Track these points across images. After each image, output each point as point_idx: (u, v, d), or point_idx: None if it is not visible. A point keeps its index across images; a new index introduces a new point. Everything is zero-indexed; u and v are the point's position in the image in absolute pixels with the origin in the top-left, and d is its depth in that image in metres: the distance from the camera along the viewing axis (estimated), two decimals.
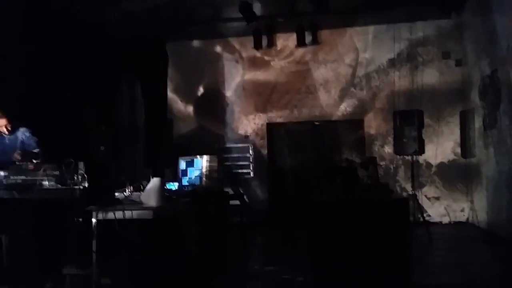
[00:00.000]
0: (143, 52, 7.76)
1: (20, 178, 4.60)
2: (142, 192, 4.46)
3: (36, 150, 5.32)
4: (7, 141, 5.53)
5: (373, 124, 9.35)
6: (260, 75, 9.83)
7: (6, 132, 5.51)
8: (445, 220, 8.91)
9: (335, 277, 3.95)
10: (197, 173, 5.81)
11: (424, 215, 7.91)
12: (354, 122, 9.47)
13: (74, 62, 6.91)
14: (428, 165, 8.98)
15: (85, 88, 7.16)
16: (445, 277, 5.07)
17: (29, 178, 4.57)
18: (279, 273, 5.07)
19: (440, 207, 8.95)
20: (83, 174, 4.49)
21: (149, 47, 7.79)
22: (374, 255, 3.92)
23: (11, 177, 4.60)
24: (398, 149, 7.88)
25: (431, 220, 8.64)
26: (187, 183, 5.84)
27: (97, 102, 7.60)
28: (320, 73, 9.61)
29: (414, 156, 7.90)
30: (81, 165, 4.58)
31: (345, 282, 3.91)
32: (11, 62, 6.09)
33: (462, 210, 8.86)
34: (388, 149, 9.07)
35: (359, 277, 3.89)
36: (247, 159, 9.73)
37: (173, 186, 5.79)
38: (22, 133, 5.56)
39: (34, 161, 4.85)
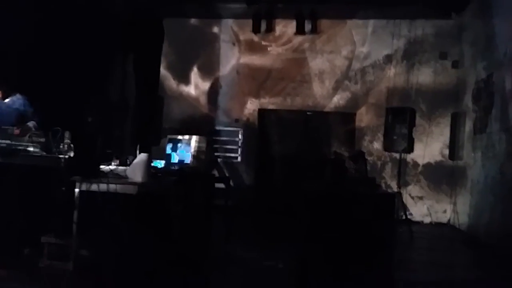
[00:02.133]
0: (139, 25, 7.62)
1: (5, 142, 4.52)
2: (128, 167, 4.41)
3: (31, 124, 5.18)
4: (2, 107, 5.38)
5: (364, 118, 9.34)
6: (255, 60, 9.75)
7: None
8: (427, 220, 8.98)
9: (317, 267, 3.95)
10: (185, 152, 5.76)
11: (407, 213, 7.96)
12: (346, 115, 9.45)
13: (67, 33, 6.79)
14: (415, 164, 9.01)
15: (77, 59, 7.04)
16: (424, 275, 5.11)
17: (13, 143, 4.49)
18: (261, 259, 5.06)
19: (422, 207, 9.01)
20: (69, 144, 4.42)
21: (145, 21, 7.64)
22: (357, 247, 3.92)
23: None
24: (388, 146, 7.90)
25: (413, 219, 8.70)
26: (174, 162, 5.79)
27: (88, 73, 7.48)
28: (316, 63, 9.56)
29: (403, 154, 7.92)
30: (67, 134, 4.50)
31: (327, 272, 3.91)
32: (4, 32, 5.97)
33: (444, 211, 8.92)
34: (377, 145, 9.10)
35: (340, 268, 3.89)
36: (236, 143, 9.70)
37: (160, 163, 5.74)
38: (18, 100, 5.42)
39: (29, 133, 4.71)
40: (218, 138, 9.77)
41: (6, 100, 5.44)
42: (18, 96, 5.47)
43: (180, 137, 6.12)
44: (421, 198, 9.03)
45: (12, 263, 4.20)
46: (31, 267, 4.22)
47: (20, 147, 4.46)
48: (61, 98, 6.40)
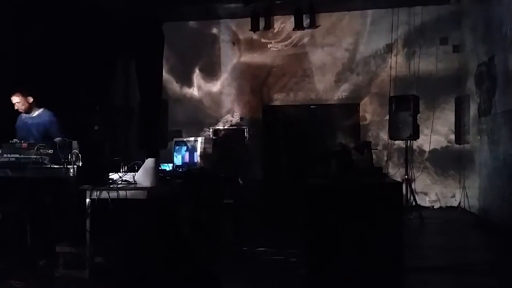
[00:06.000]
0: (139, 31, 7.69)
1: (14, 156, 4.59)
2: (136, 173, 4.47)
3: (57, 140, 5.20)
4: (29, 122, 5.44)
5: (368, 109, 9.35)
6: (256, 58, 9.77)
7: (22, 110, 5.42)
8: (436, 205, 8.98)
9: (328, 259, 3.99)
10: (191, 154, 5.82)
11: (417, 198, 7.96)
12: (350, 106, 9.46)
13: (70, 42, 6.85)
14: (421, 151, 9.01)
15: (81, 68, 7.11)
16: (437, 260, 5.13)
17: (22, 156, 4.56)
18: (272, 254, 5.11)
19: (431, 193, 9.00)
20: (77, 153, 4.49)
21: (145, 27, 7.71)
22: (367, 238, 3.95)
23: (4, 155, 4.60)
24: (393, 134, 7.91)
25: (422, 205, 8.69)
26: (181, 164, 5.85)
27: (92, 82, 7.55)
28: (317, 56, 9.56)
29: (409, 141, 7.94)
30: (75, 144, 4.57)
31: (338, 264, 3.95)
32: (5, 40, 6.04)
33: (453, 196, 8.92)
34: (382, 135, 9.09)
35: (351, 260, 3.92)
36: (242, 141, 9.74)
37: (168, 167, 5.81)
38: (47, 114, 5.47)
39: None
40: (224, 137, 9.81)
41: (36, 113, 5.49)
42: (45, 110, 5.50)
43: (186, 139, 6.19)
44: (429, 184, 9.01)
45: (28, 274, 4.27)
46: (47, 277, 4.29)
47: (28, 160, 4.51)
48: (66, 107, 6.46)
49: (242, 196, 6.06)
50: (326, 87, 9.52)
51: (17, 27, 6.29)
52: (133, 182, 4.41)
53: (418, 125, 7.73)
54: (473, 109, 8.11)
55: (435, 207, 8.95)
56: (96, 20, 7.59)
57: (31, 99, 5.42)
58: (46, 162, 4.53)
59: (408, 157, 8.10)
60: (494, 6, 7.06)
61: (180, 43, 9.61)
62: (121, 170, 4.57)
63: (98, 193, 4.19)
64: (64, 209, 4.43)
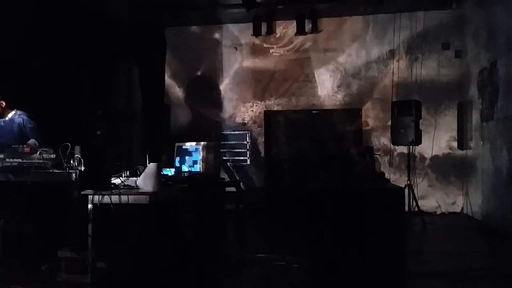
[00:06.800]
0: (141, 37, 7.70)
1: (16, 161, 4.59)
2: (138, 177, 4.47)
3: (31, 142, 5.17)
4: (2, 124, 5.48)
5: (370, 114, 9.34)
6: (258, 63, 9.79)
7: None
8: (439, 211, 8.95)
9: (330, 265, 3.98)
10: (193, 159, 5.81)
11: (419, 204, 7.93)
12: (352, 111, 9.45)
13: (72, 46, 6.87)
14: (422, 157, 8.98)
15: (83, 73, 7.12)
16: (440, 266, 5.10)
17: (25, 161, 4.57)
18: (274, 260, 5.09)
19: (432, 199, 8.97)
20: (79, 158, 4.48)
21: (147, 32, 7.72)
22: (369, 243, 3.93)
23: (7, 160, 4.60)
24: (395, 139, 7.89)
25: (425, 210, 8.67)
26: (183, 169, 5.84)
27: (94, 87, 7.57)
28: (319, 61, 9.57)
29: (411, 147, 7.92)
30: (77, 149, 4.57)
31: (340, 270, 3.93)
32: (7, 44, 6.05)
33: (454, 203, 8.89)
34: (384, 140, 9.07)
35: (353, 265, 3.91)
36: (244, 146, 9.75)
37: (170, 171, 5.80)
38: (19, 116, 5.47)
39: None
40: (226, 142, 9.81)
41: (9, 116, 5.50)
42: (18, 112, 5.52)
43: (188, 144, 6.18)
44: (430, 191, 8.98)
45: (30, 278, 4.26)
46: (49, 282, 4.28)
47: (31, 165, 4.51)
48: (69, 113, 6.48)
49: (244, 201, 6.04)
50: (328, 92, 9.52)
51: (20, 31, 6.30)
52: (135, 187, 4.41)
53: (421, 131, 7.73)
54: (475, 115, 8.10)
55: (437, 213, 8.92)
56: (99, 25, 7.61)
57: (3, 103, 5.45)
58: (48, 166, 4.54)
59: (411, 163, 8.08)
60: (497, 11, 7.06)
61: (182, 48, 9.62)
62: (123, 174, 4.57)
63: (100, 197, 4.19)
64: (66, 213, 4.43)
